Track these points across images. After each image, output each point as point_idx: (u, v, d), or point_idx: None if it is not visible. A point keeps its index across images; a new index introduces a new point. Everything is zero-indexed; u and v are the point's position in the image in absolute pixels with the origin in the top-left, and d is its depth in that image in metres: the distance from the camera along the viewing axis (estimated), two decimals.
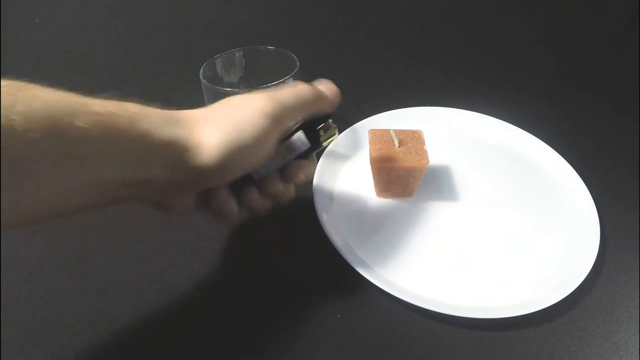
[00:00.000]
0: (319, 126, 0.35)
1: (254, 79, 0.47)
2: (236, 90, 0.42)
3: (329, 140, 0.36)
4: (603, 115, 0.56)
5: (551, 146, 0.47)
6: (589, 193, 0.42)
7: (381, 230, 0.40)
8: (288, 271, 0.38)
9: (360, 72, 0.65)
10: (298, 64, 0.44)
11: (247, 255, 0.39)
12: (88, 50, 0.69)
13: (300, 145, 0.35)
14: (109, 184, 0.25)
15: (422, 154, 0.40)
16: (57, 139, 0.21)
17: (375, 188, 0.43)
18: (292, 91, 0.32)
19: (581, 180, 0.43)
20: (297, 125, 0.35)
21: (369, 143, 0.41)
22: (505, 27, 0.74)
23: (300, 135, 0.35)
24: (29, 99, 0.21)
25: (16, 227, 0.23)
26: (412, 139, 0.41)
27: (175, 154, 0.26)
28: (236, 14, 0.77)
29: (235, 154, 0.28)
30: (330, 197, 0.43)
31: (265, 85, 0.41)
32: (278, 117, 0.30)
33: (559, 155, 0.46)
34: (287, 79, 0.42)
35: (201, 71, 0.42)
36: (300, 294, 0.36)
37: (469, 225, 0.41)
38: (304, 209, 0.41)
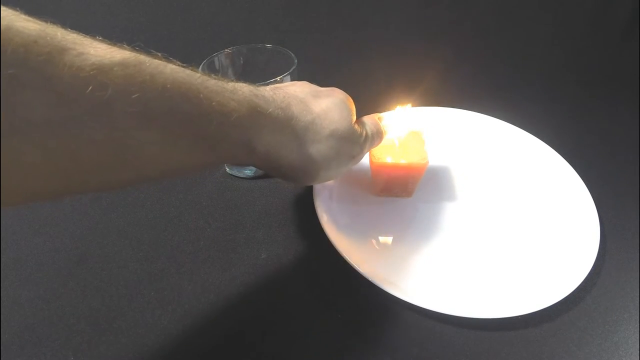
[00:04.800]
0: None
1: (252, 77, 0.47)
2: None
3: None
4: (603, 115, 0.56)
5: (551, 146, 0.47)
6: (589, 193, 0.42)
7: (381, 230, 0.40)
8: (288, 271, 0.38)
9: (359, 71, 0.65)
10: (296, 61, 0.44)
11: (247, 255, 0.39)
12: None
13: None
14: (209, 162, 0.26)
15: (422, 154, 0.40)
16: (171, 137, 0.22)
17: (375, 188, 0.43)
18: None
19: (581, 180, 0.43)
20: None
21: None
22: (506, 27, 0.74)
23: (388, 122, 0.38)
24: (153, 76, 0.21)
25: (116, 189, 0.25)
26: (412, 139, 0.41)
27: (275, 161, 0.29)
28: (234, 12, 0.77)
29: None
30: (330, 197, 0.43)
31: (262, 83, 0.41)
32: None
33: (559, 155, 0.46)
34: (284, 76, 0.42)
35: (200, 69, 0.42)
36: (300, 294, 0.36)
37: (469, 225, 0.41)
38: (304, 209, 0.41)
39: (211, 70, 0.45)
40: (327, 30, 0.75)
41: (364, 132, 0.34)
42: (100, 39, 0.20)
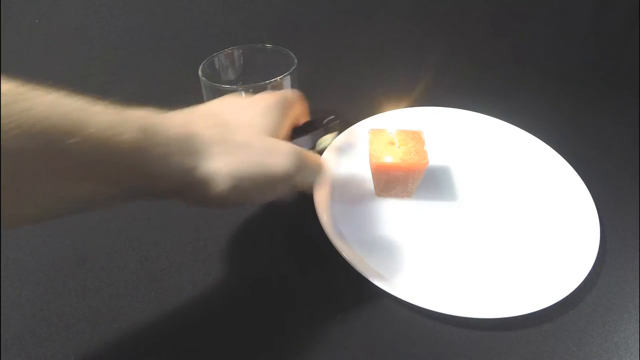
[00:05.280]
0: (322, 126, 0.35)
1: (252, 77, 0.47)
2: (235, 87, 0.42)
3: (330, 141, 0.36)
4: (603, 115, 0.56)
5: (551, 146, 0.47)
6: (589, 193, 0.42)
7: (381, 230, 0.40)
8: (288, 271, 0.38)
9: (359, 71, 0.65)
10: (296, 61, 0.44)
11: (247, 256, 0.39)
12: (88, 51, 0.68)
13: (304, 146, 0.36)
14: (112, 194, 0.24)
15: (422, 154, 0.40)
16: (53, 155, 0.21)
17: (375, 188, 0.43)
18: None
19: (581, 180, 0.43)
20: (302, 125, 0.35)
21: (369, 143, 0.41)
22: (506, 27, 0.74)
23: (307, 138, 0.36)
24: (26, 112, 0.20)
25: (16, 226, 0.22)
26: (412, 139, 0.41)
27: (180, 183, 0.26)
28: (234, 12, 0.77)
29: (248, 189, 0.27)
30: (330, 197, 0.43)
31: (263, 83, 0.41)
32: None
33: (559, 155, 0.46)
34: (284, 76, 0.42)
35: (200, 69, 0.43)
36: (300, 294, 0.36)
37: (469, 225, 0.41)
38: (304, 209, 0.41)
39: (211, 70, 0.45)
40: (327, 30, 0.75)
41: (295, 150, 0.30)
42: None
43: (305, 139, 0.35)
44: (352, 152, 0.48)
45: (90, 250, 0.39)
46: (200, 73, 0.42)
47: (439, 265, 0.37)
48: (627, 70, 0.63)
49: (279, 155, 0.28)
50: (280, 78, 0.42)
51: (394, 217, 0.41)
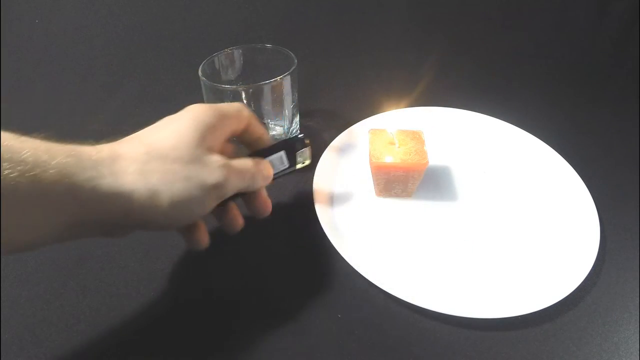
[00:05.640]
0: (297, 149, 0.36)
1: (252, 77, 0.47)
2: (235, 87, 0.42)
3: (304, 164, 0.37)
4: (603, 115, 0.56)
5: (551, 146, 0.47)
6: (589, 193, 0.42)
7: (381, 230, 0.40)
8: (288, 271, 0.38)
9: (359, 71, 0.65)
10: (296, 61, 0.44)
11: (247, 256, 0.39)
12: (88, 50, 0.68)
13: (279, 165, 0.36)
14: (52, 227, 0.24)
15: (422, 154, 0.40)
16: None
17: (375, 188, 0.43)
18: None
19: (581, 180, 0.43)
20: (275, 143, 0.36)
21: (369, 143, 0.41)
22: (506, 27, 0.74)
23: (282, 155, 0.36)
24: None
25: None
26: (412, 139, 0.41)
27: (120, 207, 0.26)
28: (234, 12, 0.77)
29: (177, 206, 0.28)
30: (330, 197, 0.43)
31: (263, 83, 0.41)
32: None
33: (559, 155, 0.46)
34: (284, 76, 0.42)
35: (200, 69, 0.43)
36: (300, 294, 0.36)
37: (469, 225, 0.41)
38: (304, 209, 0.41)
39: (211, 70, 0.45)
40: (327, 30, 0.75)
41: (222, 162, 0.30)
42: None
43: (278, 156, 0.36)
44: (352, 152, 0.48)
45: (90, 250, 0.39)
46: (200, 73, 0.42)
47: (438, 265, 0.37)
48: (627, 70, 0.63)
49: (207, 168, 0.29)
50: (280, 78, 0.42)
51: (394, 217, 0.41)
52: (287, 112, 0.45)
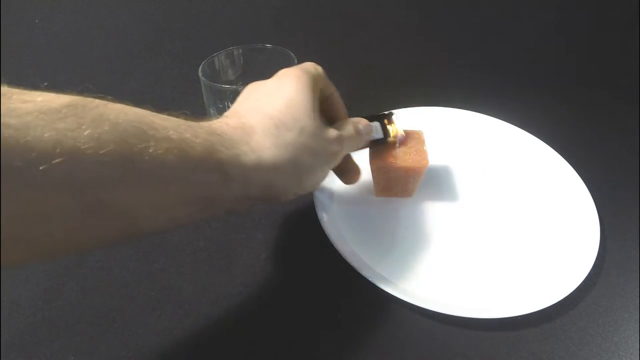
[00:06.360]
0: (389, 123, 0.39)
1: (252, 77, 0.47)
2: (235, 87, 0.42)
3: (393, 139, 0.39)
4: (603, 115, 0.56)
5: (551, 146, 0.47)
6: (589, 193, 0.42)
7: (381, 230, 0.40)
8: (288, 271, 0.38)
9: (359, 71, 0.65)
10: (296, 61, 0.44)
11: (247, 256, 0.39)
12: (88, 50, 0.68)
13: (376, 133, 0.38)
14: (184, 205, 0.24)
15: (422, 154, 0.39)
16: (129, 164, 0.20)
17: (375, 188, 0.43)
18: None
19: (581, 180, 0.43)
20: (371, 115, 0.39)
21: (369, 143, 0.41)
22: (506, 27, 0.74)
23: (377, 125, 0.38)
24: (97, 121, 0.20)
25: (87, 248, 0.22)
26: (412, 139, 0.41)
27: (260, 179, 0.27)
28: (234, 12, 0.77)
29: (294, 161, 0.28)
30: (330, 197, 0.43)
31: None
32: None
33: (559, 155, 0.46)
34: None
35: (200, 69, 0.43)
36: (300, 294, 0.36)
37: (469, 225, 0.41)
38: (304, 209, 0.41)
39: (211, 70, 0.45)
40: (327, 30, 0.75)
41: (333, 132, 0.32)
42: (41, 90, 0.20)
43: (378, 129, 0.38)
44: (352, 152, 0.48)
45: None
46: (200, 73, 0.42)
47: (439, 265, 0.37)
48: (627, 71, 0.63)
49: (327, 140, 0.31)
50: None
51: (394, 217, 0.41)
52: None
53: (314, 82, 0.32)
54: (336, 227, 0.39)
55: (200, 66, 0.43)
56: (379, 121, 0.39)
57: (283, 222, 0.41)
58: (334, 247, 0.37)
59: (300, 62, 0.44)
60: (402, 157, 0.39)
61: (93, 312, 0.34)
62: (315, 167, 0.30)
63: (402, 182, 0.41)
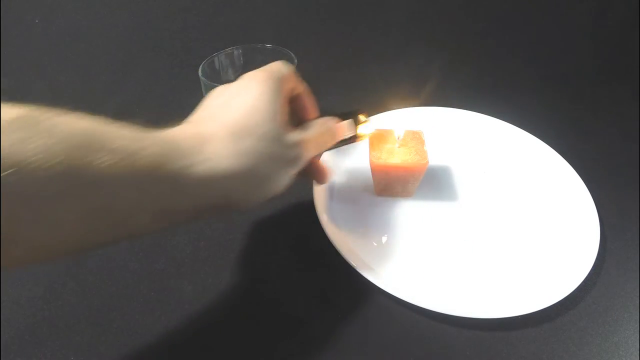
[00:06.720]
0: (358, 121, 0.37)
1: None
2: None
3: (363, 137, 0.38)
4: (603, 115, 0.56)
5: (551, 146, 0.47)
6: (589, 193, 0.42)
7: (381, 230, 0.40)
8: (288, 271, 0.38)
9: (359, 71, 0.65)
10: (296, 61, 0.44)
11: (247, 255, 0.39)
12: (88, 50, 0.68)
13: (350, 131, 0.36)
14: (135, 216, 0.24)
15: (422, 154, 0.40)
16: (75, 177, 0.20)
17: (375, 188, 0.43)
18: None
19: (581, 180, 0.43)
20: (341, 112, 0.36)
21: (369, 143, 0.41)
22: (506, 27, 0.74)
23: (350, 122, 0.36)
24: (48, 132, 0.20)
25: (35, 261, 0.22)
26: (412, 139, 0.41)
27: (214, 188, 0.26)
28: (234, 12, 0.77)
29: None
30: (330, 197, 0.43)
31: None
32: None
33: (559, 155, 0.46)
34: None
35: (200, 69, 0.43)
36: (299, 294, 0.36)
37: (469, 225, 0.41)
38: (304, 208, 0.41)
39: (211, 70, 0.45)
40: (327, 30, 0.75)
41: (296, 136, 0.30)
42: None
43: (351, 127, 0.36)
44: (352, 152, 0.48)
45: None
46: (200, 73, 0.42)
47: (439, 265, 0.37)
48: (627, 71, 0.63)
49: (288, 145, 0.29)
50: None
51: (394, 217, 0.41)
52: None
53: (280, 84, 0.31)
54: (336, 227, 0.39)
55: (200, 66, 0.43)
56: (351, 118, 0.36)
57: (283, 222, 0.41)
58: (334, 247, 0.37)
59: (300, 62, 0.44)
60: (402, 157, 0.39)
61: (93, 312, 0.34)
62: (276, 173, 0.29)
63: (402, 182, 0.41)
